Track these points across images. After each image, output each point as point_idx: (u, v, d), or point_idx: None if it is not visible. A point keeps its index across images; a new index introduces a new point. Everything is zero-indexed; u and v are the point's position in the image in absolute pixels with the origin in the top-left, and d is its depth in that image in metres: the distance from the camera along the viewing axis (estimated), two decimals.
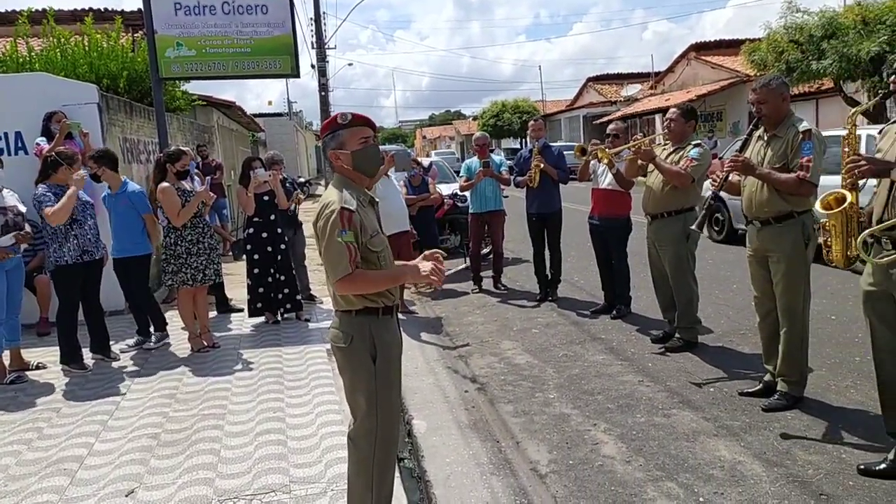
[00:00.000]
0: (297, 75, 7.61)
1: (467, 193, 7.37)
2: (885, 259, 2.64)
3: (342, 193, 2.36)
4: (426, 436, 3.70)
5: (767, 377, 3.87)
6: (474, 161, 7.18)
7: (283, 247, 6.12)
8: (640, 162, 4.76)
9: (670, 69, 28.17)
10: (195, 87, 11.96)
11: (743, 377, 4.18)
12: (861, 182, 2.83)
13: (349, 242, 2.28)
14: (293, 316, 6.24)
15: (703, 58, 25.25)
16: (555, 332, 5.54)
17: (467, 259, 8.41)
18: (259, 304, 6.09)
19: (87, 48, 8.99)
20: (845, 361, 4.33)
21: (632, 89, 31.04)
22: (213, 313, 6.40)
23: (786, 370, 3.70)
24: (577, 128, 33.79)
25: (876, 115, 12.41)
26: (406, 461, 3.49)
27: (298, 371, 4.75)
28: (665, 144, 4.86)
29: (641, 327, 5.44)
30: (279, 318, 6.18)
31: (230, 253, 9.42)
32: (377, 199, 2.64)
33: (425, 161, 9.78)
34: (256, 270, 6.03)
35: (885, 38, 12.31)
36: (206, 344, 5.40)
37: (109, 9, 13.25)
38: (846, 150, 2.87)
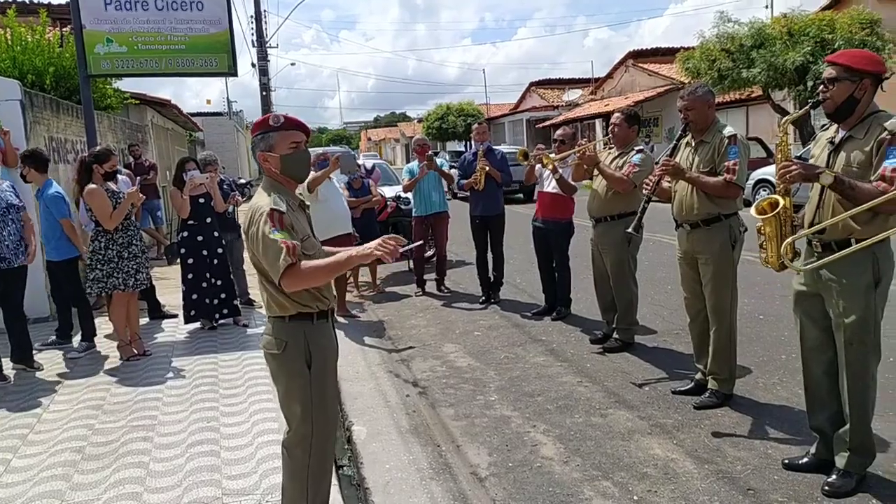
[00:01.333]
0: (235, 74, 7.43)
1: (411, 196, 7.34)
2: (810, 266, 2.74)
3: (271, 197, 2.31)
4: (366, 442, 3.65)
5: (699, 376, 3.99)
6: (415, 165, 7.16)
7: (219, 250, 5.95)
8: (585, 167, 4.83)
9: (609, 75, 28.87)
10: (129, 85, 11.53)
11: (677, 376, 4.30)
12: (794, 187, 2.94)
13: (283, 238, 2.22)
14: (231, 321, 6.07)
15: (641, 65, 26.01)
16: (497, 335, 5.57)
17: (411, 262, 8.39)
18: (194, 310, 5.90)
19: (9, 42, 8.53)
20: (772, 359, 4.51)
21: (573, 94, 31.65)
22: (144, 319, 6.17)
23: (716, 368, 3.82)
24: (521, 131, 34.22)
25: (800, 123, 13.06)
26: (345, 468, 3.44)
27: (235, 378, 4.61)
28: (610, 149, 4.95)
29: (581, 328, 5.53)
30: (215, 323, 6.00)
31: (164, 257, 9.11)
32: (308, 203, 2.58)
33: (368, 163, 9.70)
34: (191, 275, 5.84)
35: (809, 49, 12.97)
36: (136, 352, 5.19)
37: (34, 1, 12.62)
38: (779, 156, 2.97)
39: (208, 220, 5.91)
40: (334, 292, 2.66)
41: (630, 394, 4.09)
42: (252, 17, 21.75)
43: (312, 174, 6.13)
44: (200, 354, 5.24)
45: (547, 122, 29.31)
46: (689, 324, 4.02)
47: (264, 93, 21.93)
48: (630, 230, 3.96)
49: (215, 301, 5.96)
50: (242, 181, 19.91)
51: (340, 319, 6.24)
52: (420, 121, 46.46)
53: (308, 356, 2.37)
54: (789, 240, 2.74)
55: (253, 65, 22.86)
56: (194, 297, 5.86)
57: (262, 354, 2.48)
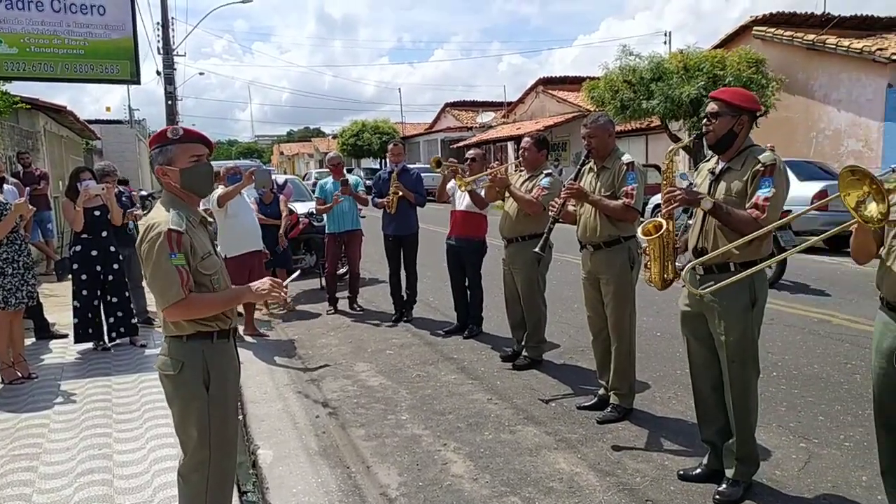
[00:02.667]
0: (138, 82, 7.13)
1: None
2: (704, 291, 2.91)
3: (170, 213, 2.22)
4: (272, 466, 3.54)
5: (601, 391, 4.16)
6: (329, 181, 7.09)
7: (115, 266, 5.63)
8: (496, 189, 4.94)
9: (521, 100, 29.83)
10: (19, 88, 10.74)
11: (582, 392, 4.45)
12: (677, 212, 3.14)
13: (180, 266, 2.14)
14: (127, 341, 5.74)
15: (550, 91, 27.05)
16: (409, 353, 5.56)
17: (323, 279, 8.26)
18: (89, 330, 5.54)
19: None
20: (668, 374, 4.76)
21: (486, 116, 32.42)
22: (30, 340, 5.73)
23: (617, 384, 3.99)
24: (436, 150, 34.63)
25: (695, 153, 13.97)
26: (249, 494, 3.32)
27: (130, 402, 4.36)
28: (520, 172, 5.10)
29: (492, 346, 5.63)
30: (110, 343, 5.66)
31: (53, 272, 8.51)
32: (210, 220, 2.50)
33: (280, 178, 9.51)
34: (84, 292, 5.49)
35: (703, 83, 13.93)
36: (20, 375, 4.81)
37: None
38: (664, 182, 3.18)
39: (104, 233, 5.59)
40: (240, 310, 2.59)
41: (538, 410, 4.19)
42: (158, 23, 20.91)
43: (223, 189, 5.94)
44: (93, 377, 4.92)
45: (461, 143, 29.84)
46: (592, 341, 4.18)
47: (170, 102, 21.06)
48: (537, 250, 4.10)
49: (110, 319, 5.63)
50: (143, 193, 18.96)
51: (248, 339, 6.05)
52: (335, 137, 46.04)
53: (206, 377, 2.29)
54: (687, 267, 2.93)
55: (158, 73, 21.90)
56: (89, 314, 5.51)
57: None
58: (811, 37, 15.32)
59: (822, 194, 8.64)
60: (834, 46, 14.60)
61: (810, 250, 9.61)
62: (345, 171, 7.14)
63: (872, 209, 2.02)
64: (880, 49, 13.91)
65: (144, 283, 6.41)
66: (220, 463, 2.33)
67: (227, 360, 2.38)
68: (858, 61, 14.20)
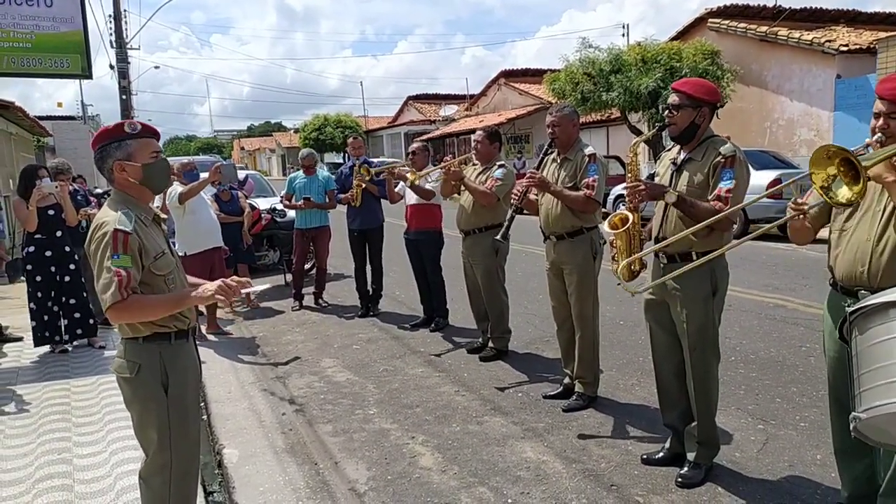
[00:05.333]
0: (90, 76, 6.92)
1: (291, 212, 7.16)
2: (644, 288, 2.96)
3: (118, 213, 2.16)
4: (238, 465, 3.50)
5: (567, 380, 4.22)
6: (299, 175, 7.02)
7: (72, 267, 5.48)
8: (452, 182, 4.96)
9: (483, 93, 29.89)
10: None
11: (547, 381, 4.51)
12: (642, 204, 3.19)
13: (122, 267, 2.09)
14: (85, 343, 5.60)
15: (512, 84, 27.18)
16: (376, 348, 5.55)
17: (287, 275, 8.17)
18: (47, 333, 5.38)
19: None
20: (632, 362, 4.85)
21: (449, 109, 32.42)
22: None
23: (581, 372, 4.05)
24: (399, 144, 34.48)
25: (654, 144, 14.20)
26: (216, 494, 3.27)
27: (90, 405, 4.26)
28: (474, 165, 5.12)
29: (458, 338, 5.65)
30: (68, 346, 5.51)
31: (5, 274, 8.23)
32: (164, 217, 2.45)
33: (240, 174, 9.35)
34: (40, 294, 5.33)
35: (660, 75, 14.17)
36: None
37: None
38: (629, 175, 3.22)
39: (58, 233, 5.42)
40: (201, 309, 2.55)
41: (504, 401, 4.23)
42: (111, 16, 20.29)
43: (182, 186, 5.81)
44: (50, 380, 4.78)
45: (425, 136, 29.75)
46: (556, 331, 4.23)
47: (124, 97, 20.48)
48: (498, 237, 4.13)
49: (67, 321, 5.47)
50: (99, 191, 18.41)
51: (211, 337, 5.95)
52: (297, 131, 45.44)
53: (165, 379, 2.24)
54: (633, 258, 2.99)
55: (111, 66, 21.27)
56: (45, 317, 5.35)
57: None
58: (764, 28, 15.71)
59: (776, 183, 8.88)
60: (785, 38, 15.01)
61: (765, 237, 9.89)
62: (317, 170, 7.08)
63: (843, 193, 2.06)
64: (829, 41, 14.35)
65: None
66: (182, 465, 2.30)
67: (186, 361, 2.34)
68: (809, 53, 14.62)
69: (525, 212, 4.10)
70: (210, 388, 4.64)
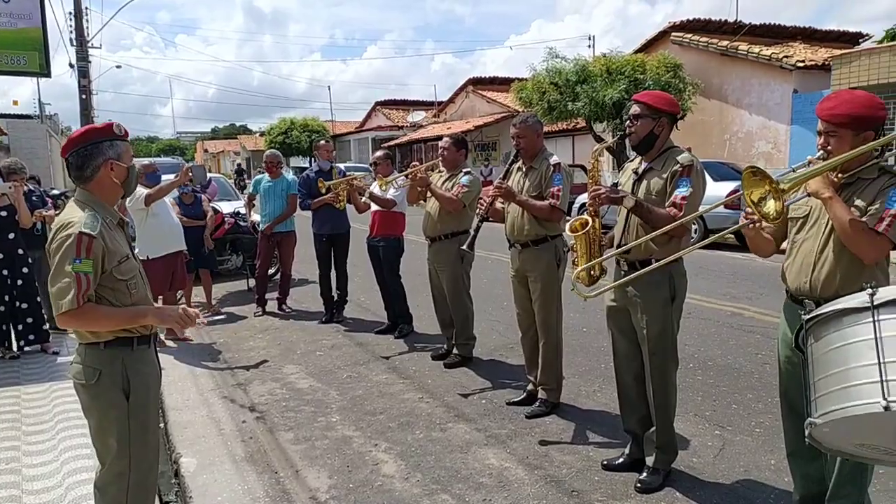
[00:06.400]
0: (48, 74, 6.76)
1: (256, 216, 7.05)
2: (596, 293, 2.99)
3: (85, 214, 2.12)
4: (196, 474, 3.43)
5: (530, 386, 4.25)
6: (265, 178, 6.94)
7: (25, 270, 5.31)
8: (418, 188, 4.97)
9: (451, 100, 30.02)
10: None
11: (511, 387, 4.53)
12: (602, 209, 3.25)
13: (82, 273, 2.05)
14: (38, 348, 5.42)
15: (480, 92, 27.35)
16: (339, 354, 5.51)
17: (250, 280, 8.05)
18: None
19: None
20: (594, 368, 4.91)
21: (417, 116, 32.46)
22: None
23: (545, 379, 4.09)
24: (366, 149, 34.35)
25: (618, 154, 14.44)
26: None
27: (42, 413, 4.13)
28: (441, 171, 5.14)
29: (423, 345, 5.64)
30: (19, 351, 5.33)
31: None
32: (127, 220, 2.42)
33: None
34: None
35: (625, 86, 14.41)
36: None
37: None
38: (590, 181, 3.28)
39: (11, 235, 5.26)
40: None
41: (468, 407, 4.23)
42: (71, 13, 19.79)
43: (145, 188, 5.69)
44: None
45: (392, 142, 29.73)
46: (521, 338, 4.26)
47: (84, 96, 19.99)
48: (464, 247, 4.15)
49: (19, 326, 5.30)
50: (56, 192, 17.90)
51: (170, 343, 5.83)
52: (262, 134, 44.92)
53: (126, 385, 2.20)
54: (592, 262, 3.04)
55: (71, 65, 20.75)
56: None
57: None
58: (725, 43, 16.14)
59: (734, 193, 9.11)
60: (745, 53, 15.44)
61: (723, 246, 10.14)
62: (282, 173, 7.00)
63: (771, 206, 2.16)
64: (787, 56, 14.82)
65: None
66: (140, 474, 2.25)
67: (148, 367, 2.31)
68: (767, 67, 15.06)
69: (491, 220, 4.13)
70: (168, 395, 4.54)
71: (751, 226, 2.47)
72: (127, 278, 2.21)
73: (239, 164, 42.32)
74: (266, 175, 6.95)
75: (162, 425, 4.02)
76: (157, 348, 2.50)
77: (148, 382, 2.29)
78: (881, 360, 1.78)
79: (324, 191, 6.21)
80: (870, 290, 1.86)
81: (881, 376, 1.77)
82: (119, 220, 2.32)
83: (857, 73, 12.15)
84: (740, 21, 17.98)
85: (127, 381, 2.20)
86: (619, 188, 3.20)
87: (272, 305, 7.11)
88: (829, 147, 2.33)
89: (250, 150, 49.67)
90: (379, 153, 6.10)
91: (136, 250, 5.55)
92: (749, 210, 2.34)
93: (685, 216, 2.88)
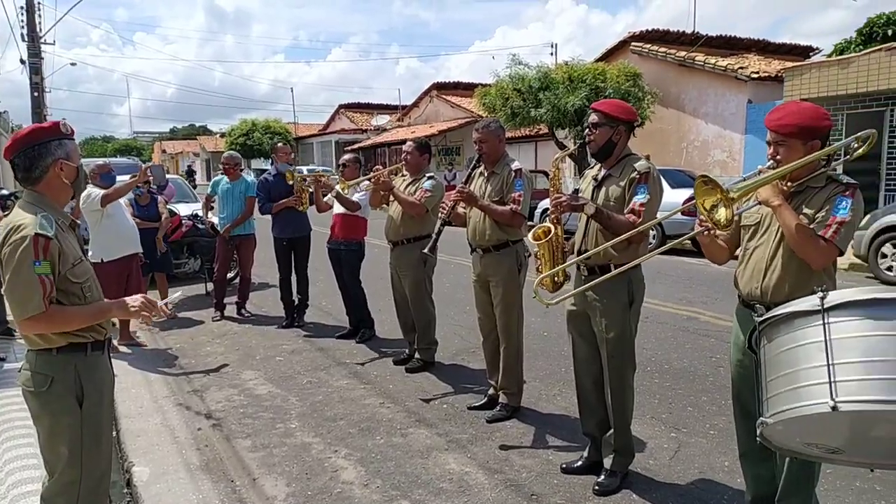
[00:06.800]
0: None
1: (214, 218, 6.90)
2: (557, 300, 3.03)
3: (37, 216, 2.05)
4: (149, 483, 3.34)
5: (491, 391, 4.26)
6: (223, 179, 6.82)
7: None
8: (381, 192, 4.94)
9: (416, 104, 30.03)
10: None
11: (472, 392, 4.53)
12: (564, 216, 3.28)
13: (44, 275, 1.98)
14: None
15: (444, 96, 27.43)
16: (300, 359, 5.44)
17: (208, 284, 7.89)
18: None
19: None
20: (554, 372, 4.95)
21: (381, 119, 32.39)
22: None
23: (506, 383, 4.11)
24: (330, 152, 34.13)
25: (580, 161, 14.64)
26: None
27: None
28: (404, 176, 5.13)
29: (385, 350, 5.61)
30: None
31: None
32: (78, 222, 2.35)
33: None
34: None
35: (586, 94, 14.64)
36: None
37: None
38: (551, 189, 3.31)
39: None
40: (113, 320, 2.45)
41: (429, 412, 4.22)
42: (23, 8, 19.17)
43: (97, 189, 5.53)
44: None
45: (356, 145, 29.58)
46: (482, 342, 4.28)
47: (36, 93, 19.37)
48: (426, 251, 4.15)
49: None
50: (5, 192, 17.26)
51: (123, 349, 5.67)
52: (223, 135, 44.17)
53: (80, 392, 2.14)
54: (556, 269, 3.08)
55: (23, 61, 20.09)
56: None
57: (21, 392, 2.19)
58: (682, 54, 16.54)
59: (691, 200, 9.31)
60: (702, 63, 15.84)
61: (680, 252, 10.37)
62: (242, 175, 6.89)
63: (722, 214, 2.22)
64: (741, 67, 15.26)
65: (2, 291, 5.87)
66: (90, 483, 2.19)
67: (102, 374, 2.26)
68: (723, 78, 15.48)
69: (453, 224, 4.14)
70: (121, 402, 4.40)
71: (705, 233, 2.53)
72: (81, 281, 2.16)
73: (189, 166, 41.64)
74: (225, 177, 6.83)
75: (114, 433, 3.91)
76: (111, 354, 2.44)
77: (102, 389, 2.25)
78: (830, 362, 1.84)
79: (291, 183, 6.13)
80: (821, 294, 1.91)
81: (829, 377, 1.82)
82: (70, 221, 2.26)
83: (808, 85, 12.58)
84: (698, 32, 18.47)
85: (80, 387, 2.15)
86: (580, 194, 3.24)
87: (231, 310, 6.98)
88: (778, 157, 2.41)
89: (210, 152, 48.78)
90: (349, 156, 6.04)
91: (90, 253, 5.44)
92: (703, 217, 2.40)
93: (644, 223, 2.94)
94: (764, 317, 2.13)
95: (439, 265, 5.19)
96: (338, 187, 5.61)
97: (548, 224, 3.26)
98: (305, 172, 7.52)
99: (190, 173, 33.90)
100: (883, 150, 11.83)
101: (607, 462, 3.23)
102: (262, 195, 6.46)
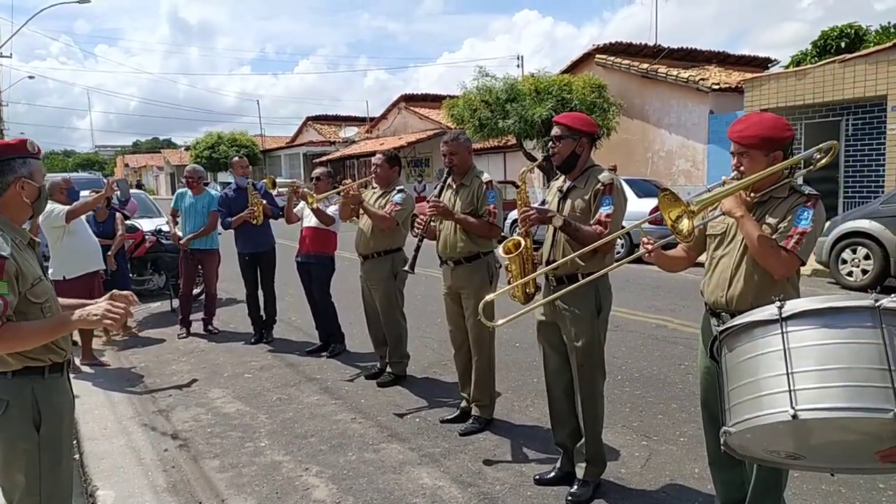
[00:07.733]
0: None
1: (180, 232, 6.75)
2: (505, 321, 3.04)
3: None
4: None
5: (464, 403, 4.25)
6: (188, 193, 6.70)
7: None
8: (351, 206, 4.91)
9: (384, 116, 30.06)
10: None
11: (445, 405, 4.51)
12: (533, 229, 3.30)
13: (1, 294, 1.92)
14: None
15: (413, 108, 27.51)
16: (269, 376, 5.35)
17: (174, 301, 7.74)
18: None
19: None
20: (526, 383, 4.96)
21: (350, 131, 32.31)
22: None
23: (478, 395, 4.10)
24: (298, 164, 33.89)
25: (549, 171, 14.77)
26: None
27: None
28: (374, 189, 5.11)
29: (356, 364, 5.55)
30: None
31: None
32: (37, 241, 2.29)
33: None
34: None
35: (552, 105, 14.82)
36: None
37: None
38: (519, 202, 3.33)
39: None
40: (75, 339, 2.38)
41: (402, 426, 4.19)
42: None
43: (59, 206, 5.39)
44: None
45: (324, 157, 29.44)
46: (454, 355, 4.27)
47: None
48: (406, 268, 4.13)
49: None
50: None
51: (86, 368, 5.51)
52: (188, 148, 43.56)
53: (37, 416, 2.07)
54: (527, 278, 3.11)
55: None
56: None
57: None
58: (645, 66, 16.87)
59: (657, 210, 9.48)
60: (664, 75, 16.18)
61: (647, 261, 10.50)
62: (206, 189, 6.79)
63: (684, 225, 2.26)
64: (703, 79, 15.63)
65: None
66: None
67: (60, 397, 2.18)
68: (685, 89, 15.83)
69: (425, 237, 4.13)
70: (83, 424, 4.28)
71: (645, 256, 2.60)
72: (41, 301, 2.10)
73: (138, 180, 41.01)
74: (189, 191, 6.72)
75: (77, 457, 3.79)
76: (71, 375, 2.37)
77: (61, 412, 2.17)
78: (789, 371, 1.86)
79: (272, 190, 6.06)
80: (778, 303, 1.95)
81: (789, 386, 1.85)
82: (29, 240, 2.19)
83: (768, 96, 12.95)
84: (660, 45, 18.90)
85: (38, 411, 2.08)
86: (547, 206, 3.27)
87: (197, 326, 6.85)
88: (741, 167, 2.46)
89: (175, 165, 48.06)
90: (321, 170, 6.00)
91: (51, 270, 5.28)
92: (646, 239, 2.47)
93: (610, 233, 2.98)
94: (723, 326, 2.17)
95: (410, 277, 5.16)
96: (305, 202, 5.55)
97: (517, 237, 3.28)
98: (288, 181, 7.43)
99: (140, 187, 33.45)
100: (840, 159, 12.22)
101: (580, 472, 3.23)
102: (223, 211, 6.37)
